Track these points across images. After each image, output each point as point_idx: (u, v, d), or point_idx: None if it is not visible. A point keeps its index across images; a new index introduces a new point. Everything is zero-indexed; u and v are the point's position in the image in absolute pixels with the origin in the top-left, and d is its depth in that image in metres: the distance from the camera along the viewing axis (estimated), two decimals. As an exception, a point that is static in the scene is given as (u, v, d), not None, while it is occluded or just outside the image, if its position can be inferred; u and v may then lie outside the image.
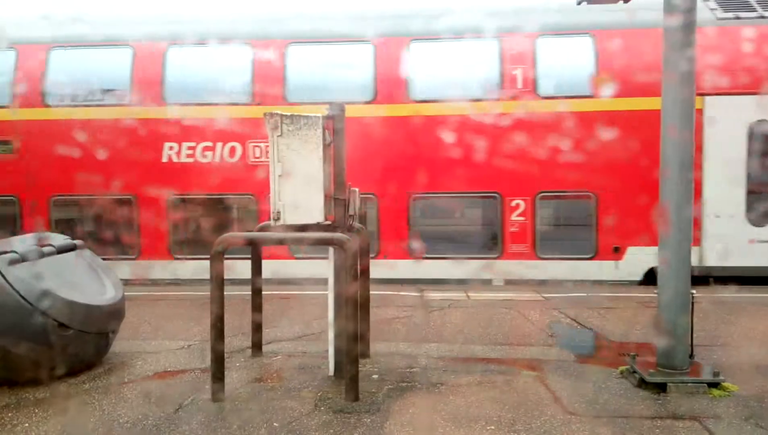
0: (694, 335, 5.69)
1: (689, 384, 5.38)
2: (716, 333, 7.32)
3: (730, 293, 9.25)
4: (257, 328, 6.45)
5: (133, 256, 11.26)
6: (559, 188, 10.79)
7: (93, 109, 11.20)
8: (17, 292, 5.35)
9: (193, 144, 10.97)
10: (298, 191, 5.49)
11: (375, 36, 11.01)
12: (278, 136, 5.48)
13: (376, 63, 10.94)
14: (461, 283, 10.37)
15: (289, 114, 5.55)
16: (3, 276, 5.36)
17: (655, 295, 5.67)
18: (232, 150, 10.94)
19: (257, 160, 10.83)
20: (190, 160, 11.00)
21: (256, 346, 6.46)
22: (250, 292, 6.37)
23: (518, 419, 4.84)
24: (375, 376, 5.84)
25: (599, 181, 10.53)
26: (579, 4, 9.95)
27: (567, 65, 10.99)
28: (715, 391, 5.34)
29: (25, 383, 5.52)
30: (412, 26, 11.06)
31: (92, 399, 5.34)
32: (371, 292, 6.52)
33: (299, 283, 9.31)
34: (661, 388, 5.39)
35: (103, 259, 6.91)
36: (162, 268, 11.13)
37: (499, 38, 10.81)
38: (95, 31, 11.44)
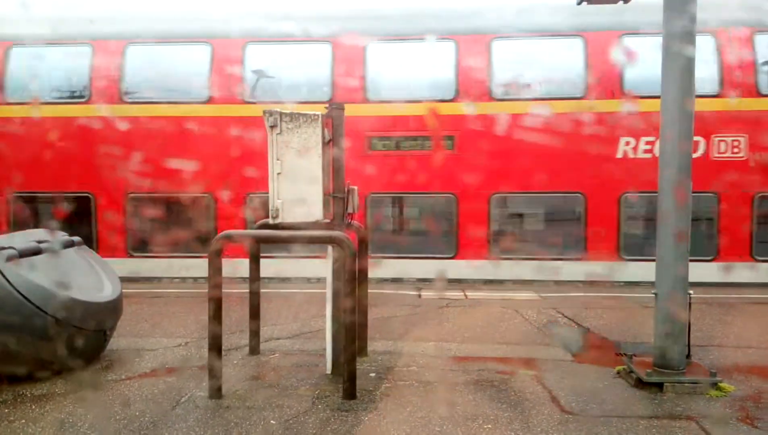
0: (691, 335, 5.70)
1: (686, 384, 5.39)
2: (713, 333, 7.33)
3: (726, 294, 9.27)
4: (255, 325, 6.45)
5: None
6: None
7: (523, 103, 10.62)
8: (15, 288, 5.34)
9: (652, 138, 10.07)
10: (297, 189, 5.48)
11: None
12: (277, 134, 5.46)
13: None
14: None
15: (288, 111, 5.52)
16: (0, 272, 5.35)
17: (653, 295, 5.69)
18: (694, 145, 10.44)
19: (721, 155, 10.30)
20: (648, 155, 10.26)
21: (254, 344, 6.46)
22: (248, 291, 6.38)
23: (515, 418, 4.85)
24: (372, 374, 5.85)
25: None
26: (579, 4, 9.95)
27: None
28: (712, 392, 5.35)
29: (22, 379, 5.50)
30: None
31: (89, 396, 5.34)
32: (369, 290, 6.52)
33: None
34: (658, 387, 5.40)
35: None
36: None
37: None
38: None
